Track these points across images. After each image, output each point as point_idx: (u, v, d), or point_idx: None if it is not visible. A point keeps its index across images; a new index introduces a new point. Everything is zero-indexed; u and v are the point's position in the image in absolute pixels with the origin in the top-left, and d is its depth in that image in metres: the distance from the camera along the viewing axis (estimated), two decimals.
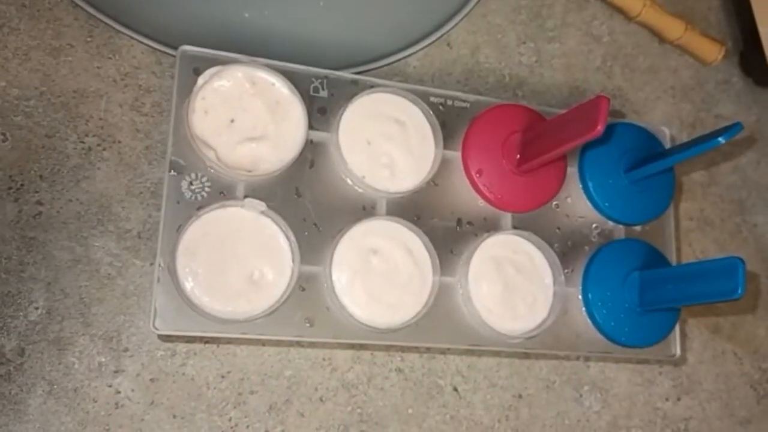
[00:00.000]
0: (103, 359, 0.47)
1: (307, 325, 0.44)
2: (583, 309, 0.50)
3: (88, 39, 0.51)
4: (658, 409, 0.59)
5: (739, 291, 0.43)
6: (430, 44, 0.57)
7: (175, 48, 0.47)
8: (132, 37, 0.50)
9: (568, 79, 0.62)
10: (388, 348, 0.52)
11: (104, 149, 0.49)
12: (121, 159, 0.50)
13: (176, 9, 0.52)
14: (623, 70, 0.64)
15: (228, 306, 0.43)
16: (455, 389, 0.54)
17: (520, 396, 0.55)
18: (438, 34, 0.57)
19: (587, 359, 0.57)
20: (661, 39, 0.65)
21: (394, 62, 0.55)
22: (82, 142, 0.49)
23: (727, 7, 0.68)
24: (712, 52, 0.65)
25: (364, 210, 0.47)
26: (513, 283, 0.49)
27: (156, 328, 0.41)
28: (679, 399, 0.59)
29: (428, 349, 0.53)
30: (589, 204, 0.52)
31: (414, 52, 0.56)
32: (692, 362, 0.60)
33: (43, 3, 0.50)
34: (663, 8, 0.63)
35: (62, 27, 0.50)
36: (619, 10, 0.64)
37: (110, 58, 0.51)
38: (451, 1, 0.57)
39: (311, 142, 0.47)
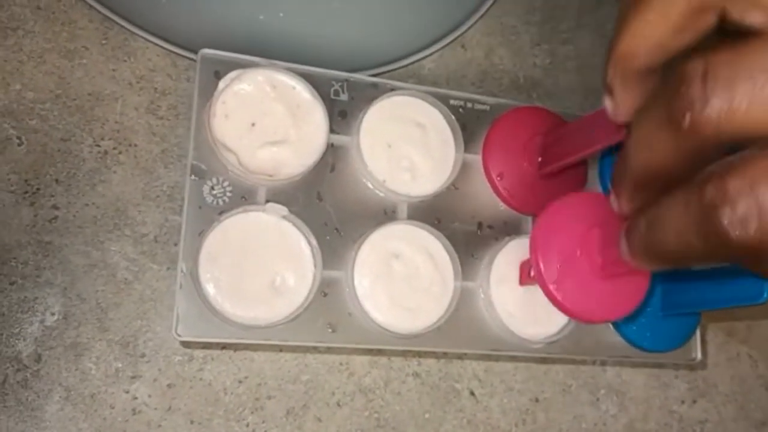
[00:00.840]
0: (120, 365, 0.47)
1: (330, 330, 0.44)
2: None
3: (103, 41, 0.50)
4: (674, 412, 0.59)
5: (765, 295, 0.43)
6: (445, 46, 0.56)
7: (191, 50, 0.47)
8: (147, 40, 0.50)
9: (582, 80, 0.61)
10: (405, 352, 0.52)
11: (120, 153, 0.49)
12: (137, 162, 0.49)
13: (192, 11, 0.51)
14: None
15: (250, 312, 0.42)
16: (472, 393, 0.53)
17: (537, 400, 0.55)
18: (453, 36, 0.56)
19: (603, 363, 0.57)
20: None
21: (408, 64, 0.55)
22: (98, 146, 0.49)
23: None
24: None
25: (385, 214, 0.47)
26: (534, 287, 0.48)
27: (178, 335, 0.41)
28: (695, 402, 0.59)
29: (445, 354, 0.53)
30: None
31: (429, 54, 0.56)
32: (708, 365, 0.60)
33: (58, 5, 0.50)
34: None
35: (77, 29, 0.50)
36: None
37: (125, 60, 0.51)
38: (466, 2, 0.57)
39: (332, 145, 0.46)
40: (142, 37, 0.50)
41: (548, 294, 0.42)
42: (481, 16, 0.57)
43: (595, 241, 0.42)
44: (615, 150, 0.51)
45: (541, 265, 0.42)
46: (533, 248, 0.42)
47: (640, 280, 0.43)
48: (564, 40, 0.62)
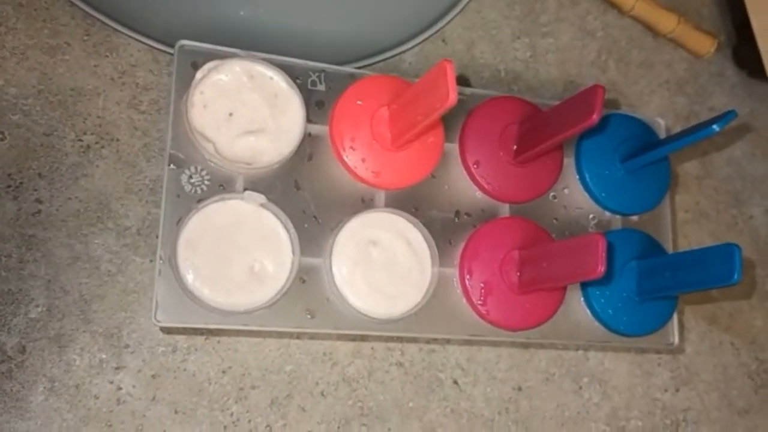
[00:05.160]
0: (104, 356, 0.47)
1: (308, 316, 0.44)
2: (582, 298, 0.51)
3: (85, 38, 0.51)
4: (657, 400, 0.59)
5: (736, 276, 0.43)
6: (425, 40, 0.57)
7: (172, 46, 0.47)
8: (129, 36, 0.50)
9: (562, 73, 0.62)
10: (388, 341, 0.53)
11: (102, 147, 0.50)
12: (120, 157, 0.50)
13: (173, 7, 0.52)
14: (618, 65, 0.64)
15: (229, 298, 0.43)
16: (455, 382, 0.54)
17: (520, 388, 0.55)
18: (433, 29, 0.57)
19: (586, 350, 0.57)
20: (655, 32, 0.65)
21: (389, 58, 0.56)
22: (81, 140, 0.49)
23: (720, 0, 0.69)
24: (705, 44, 0.65)
25: (363, 202, 0.47)
26: None
27: (157, 321, 0.42)
28: (677, 390, 0.60)
29: (428, 342, 0.53)
30: (586, 194, 0.52)
31: (409, 48, 0.56)
32: (690, 353, 0.61)
33: (40, 2, 0.51)
34: (656, 2, 0.64)
35: (59, 26, 0.51)
36: (613, 5, 0.64)
37: (107, 56, 0.51)
38: None
39: (309, 135, 0.47)
40: (124, 33, 0.50)
41: (474, 308, 0.48)
42: (461, 10, 0.58)
43: (513, 262, 0.48)
44: (590, 134, 0.52)
45: (468, 285, 0.48)
46: (460, 271, 0.48)
47: (553, 295, 0.49)
48: (544, 34, 0.62)
